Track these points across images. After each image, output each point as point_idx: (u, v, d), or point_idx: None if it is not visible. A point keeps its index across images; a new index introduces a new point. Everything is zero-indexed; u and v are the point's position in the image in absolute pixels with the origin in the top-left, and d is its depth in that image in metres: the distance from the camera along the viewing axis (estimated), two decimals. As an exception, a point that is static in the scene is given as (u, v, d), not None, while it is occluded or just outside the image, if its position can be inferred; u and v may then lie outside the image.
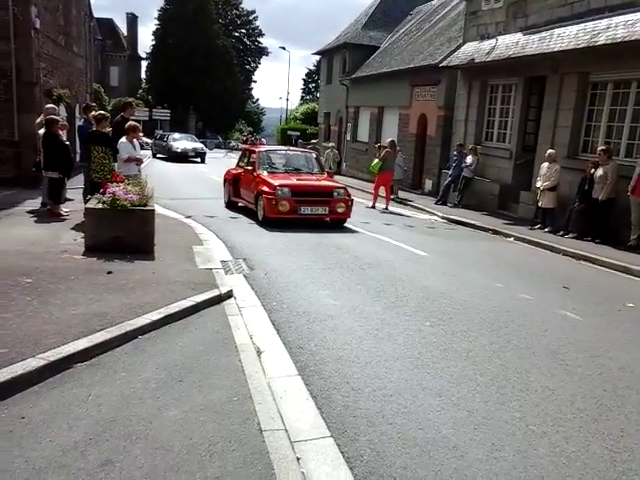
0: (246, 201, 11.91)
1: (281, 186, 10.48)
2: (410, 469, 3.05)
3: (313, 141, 27.58)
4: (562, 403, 3.93)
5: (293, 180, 10.99)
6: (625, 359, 4.86)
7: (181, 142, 32.21)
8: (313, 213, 10.69)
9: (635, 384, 4.33)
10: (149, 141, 38.53)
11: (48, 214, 9.56)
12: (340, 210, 10.87)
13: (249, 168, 11.80)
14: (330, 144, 22.70)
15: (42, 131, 9.82)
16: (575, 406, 3.90)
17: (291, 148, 14.11)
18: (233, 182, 12.67)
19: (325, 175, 12.24)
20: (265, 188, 10.61)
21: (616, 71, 10.95)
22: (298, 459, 3.07)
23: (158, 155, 32.41)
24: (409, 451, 3.22)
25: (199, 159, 31.60)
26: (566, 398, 4.01)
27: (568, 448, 3.34)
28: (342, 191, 11.01)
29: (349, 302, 6.06)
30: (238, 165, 13.22)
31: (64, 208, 9.76)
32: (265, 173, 11.22)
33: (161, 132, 38.82)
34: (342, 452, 3.18)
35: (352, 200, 11.17)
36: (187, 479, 2.81)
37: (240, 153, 14.78)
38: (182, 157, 30.06)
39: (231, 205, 12.87)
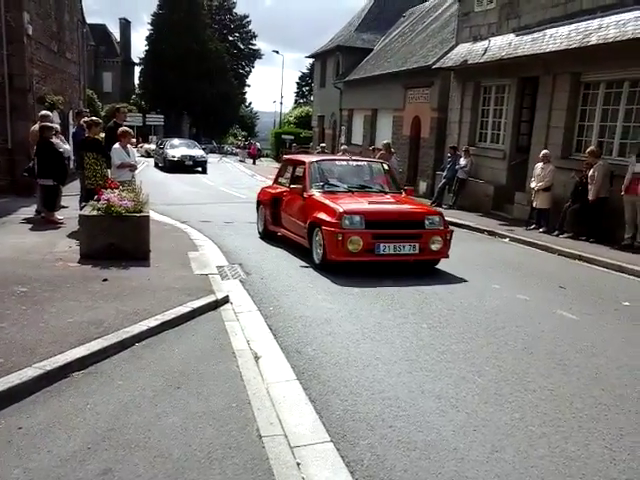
0: (291, 232, 8.75)
1: (350, 213, 7.24)
2: (411, 472, 3.04)
3: (322, 145, 23.72)
4: (561, 403, 3.94)
5: (364, 204, 7.72)
6: (623, 358, 4.87)
7: (178, 149, 27.78)
8: (397, 253, 7.35)
9: (633, 383, 4.34)
10: (152, 146, 38.22)
11: (43, 222, 9.52)
12: (435, 247, 7.54)
13: (296, 187, 8.56)
14: (322, 145, 22.71)
15: None
16: (574, 406, 3.90)
17: (353, 157, 10.22)
18: (271, 206, 9.43)
19: (403, 194, 8.80)
20: (324, 216, 7.43)
21: (608, 71, 11.00)
22: (298, 464, 3.06)
23: (160, 165, 28.24)
24: (409, 454, 3.21)
25: (199, 168, 27.14)
26: (565, 398, 4.02)
27: (568, 448, 3.34)
28: (437, 218, 7.75)
29: (345, 306, 6.06)
30: (276, 182, 10.19)
31: (59, 215, 9.73)
32: (319, 194, 8.10)
33: (162, 139, 34.78)
34: (342, 456, 3.17)
35: (451, 232, 7.85)
36: (187, 487, 2.79)
37: (282, 164, 10.87)
38: (179, 166, 26.08)
39: (268, 236, 9.73)
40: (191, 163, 26.95)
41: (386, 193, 8.58)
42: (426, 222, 7.64)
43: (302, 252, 8.32)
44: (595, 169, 10.41)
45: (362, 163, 9.55)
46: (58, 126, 11.38)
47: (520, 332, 5.42)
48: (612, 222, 10.32)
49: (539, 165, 11.81)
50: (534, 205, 12.06)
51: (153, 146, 37.34)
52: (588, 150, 10.72)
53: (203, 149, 33.22)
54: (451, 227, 7.99)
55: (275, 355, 4.65)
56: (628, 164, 10.07)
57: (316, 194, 8.10)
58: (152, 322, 4.89)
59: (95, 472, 2.87)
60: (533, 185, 11.92)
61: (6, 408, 3.41)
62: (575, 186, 11.08)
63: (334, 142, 28.90)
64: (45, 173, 9.33)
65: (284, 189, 9.25)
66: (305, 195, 8.22)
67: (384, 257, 7.32)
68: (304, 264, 7.87)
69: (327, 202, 7.69)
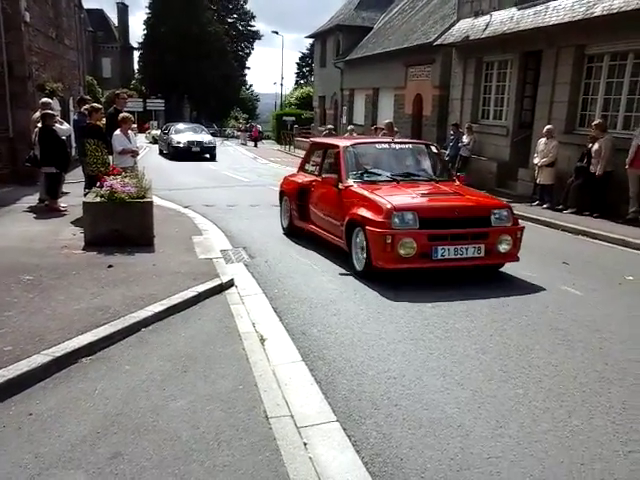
0: (323, 230, 7.53)
1: (401, 209, 5.99)
2: (416, 449, 3.09)
3: (329, 126, 21.92)
4: (565, 378, 3.96)
5: (416, 197, 6.44)
6: (626, 332, 4.88)
7: (184, 134, 25.22)
8: (458, 257, 6.07)
9: (636, 357, 4.36)
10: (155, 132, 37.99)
11: (47, 210, 9.55)
12: (503, 248, 6.28)
13: (328, 176, 7.33)
14: (329, 126, 22.39)
15: (40, 125, 9.77)
16: (577, 381, 3.93)
17: (395, 140, 8.28)
18: (298, 198, 8.18)
19: (457, 184, 7.38)
20: (367, 213, 6.20)
21: (612, 43, 10.86)
22: (305, 444, 3.10)
23: (164, 151, 26.12)
24: (415, 432, 3.25)
25: (207, 155, 24.67)
26: (568, 373, 4.04)
27: (571, 422, 3.38)
28: (505, 212, 6.40)
29: (351, 286, 6.08)
30: (302, 169, 8.93)
31: (62, 203, 9.75)
32: (358, 185, 6.85)
33: (167, 124, 31.26)
34: (348, 436, 3.21)
35: (522, 229, 6.54)
36: (196, 468, 2.84)
37: (308, 149, 9.41)
38: (184, 153, 23.65)
39: (294, 233, 8.48)
40: (198, 149, 24.41)
41: (436, 182, 7.20)
42: (493, 218, 6.26)
43: (335, 252, 7.21)
44: (601, 143, 10.32)
45: (406, 146, 7.99)
46: (58, 113, 11.34)
47: (524, 308, 5.44)
48: (616, 196, 10.26)
49: (542, 140, 11.73)
50: (537, 181, 11.99)
51: (156, 131, 36.99)
52: (594, 123, 10.61)
53: (212, 134, 30.72)
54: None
55: (280, 337, 4.69)
56: (632, 137, 9.99)
57: (354, 185, 6.84)
58: (158, 307, 4.93)
59: (105, 456, 2.92)
60: (536, 161, 11.85)
61: (16, 395, 3.46)
62: (578, 161, 11.00)
63: (336, 122, 28.72)
64: (47, 161, 9.33)
65: (312, 178, 8.05)
66: (341, 187, 6.93)
67: (442, 263, 6.05)
68: (342, 270, 6.67)
69: (370, 196, 6.39)
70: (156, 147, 29.80)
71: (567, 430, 3.29)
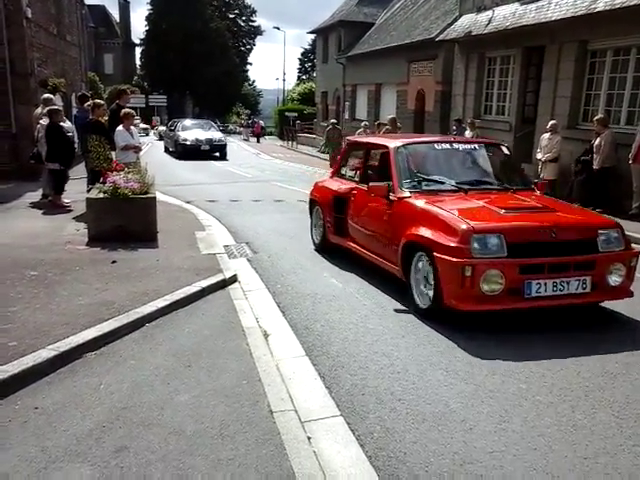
0: (368, 251, 6.21)
1: (482, 230, 4.67)
2: (420, 444, 3.10)
3: (332, 120, 21.75)
4: (568, 373, 3.97)
5: (498, 213, 5.00)
6: (629, 328, 4.88)
7: (192, 131, 23.48)
8: (558, 294, 4.73)
9: (638, 351, 4.36)
10: (145, 126, 38.14)
11: (50, 205, 9.57)
12: (614, 280, 4.93)
13: (376, 185, 5.83)
14: (332, 121, 22.22)
15: (43, 121, 9.79)
16: (581, 375, 3.93)
17: (456, 139, 7.23)
18: (333, 208, 6.93)
19: (537, 193, 6.02)
20: (433, 234, 4.88)
21: (615, 38, 10.81)
22: (309, 439, 3.12)
23: (170, 149, 24.57)
24: (418, 426, 3.26)
25: (217, 153, 23.08)
26: (572, 368, 4.05)
27: (575, 417, 3.38)
28: (615, 233, 5.03)
29: (354, 282, 6.09)
30: (338, 174, 7.56)
31: (65, 199, 9.77)
32: (416, 196, 5.49)
33: (174, 120, 29.06)
34: (352, 430, 3.22)
35: (638, 254, 5.14)
36: (201, 462, 2.86)
37: (342, 150, 8.22)
38: (193, 152, 21.98)
39: (329, 249, 7.21)
40: (208, 148, 22.63)
41: (513, 192, 5.77)
42: (600, 240, 4.87)
43: (383, 276, 5.90)
44: (602, 138, 10.30)
45: (471, 146, 6.55)
46: (61, 110, 11.34)
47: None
48: (619, 191, 10.24)
49: (546, 136, 11.70)
50: (541, 176, 11.97)
51: (161, 128, 36.89)
52: (596, 118, 10.59)
53: (221, 130, 29.13)
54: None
55: (284, 332, 4.70)
56: (636, 132, 9.96)
57: (411, 197, 5.48)
58: (162, 302, 4.95)
59: (111, 449, 2.93)
60: (540, 156, 11.82)
61: (22, 389, 3.48)
62: (579, 156, 10.98)
63: (338, 118, 28.68)
64: (53, 157, 9.35)
65: (351, 185, 6.79)
66: (392, 197, 5.63)
67: (537, 302, 4.67)
68: (396, 304, 5.36)
69: (436, 211, 5.05)
70: (159, 143, 29.38)
71: (570, 425, 3.30)
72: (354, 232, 6.59)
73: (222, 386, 3.66)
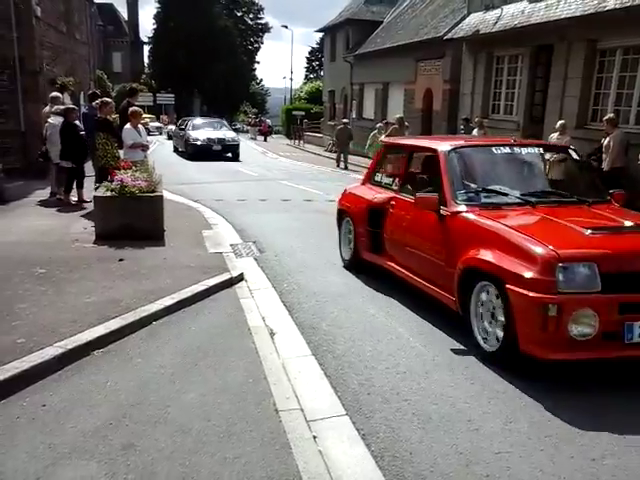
0: (413, 274, 5.29)
1: (570, 258, 3.76)
2: (426, 444, 3.09)
3: (344, 120, 21.38)
4: (575, 373, 3.95)
5: (583, 233, 4.11)
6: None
7: (203, 131, 22.30)
8: None
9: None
10: (159, 125, 38.25)
11: (59, 203, 9.63)
12: None
13: (424, 196, 4.95)
14: (344, 120, 21.85)
15: (52, 120, 9.85)
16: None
17: (517, 141, 5.79)
18: (368, 221, 6.02)
19: (616, 206, 5.19)
20: (501, 259, 4.04)
21: (625, 37, 10.73)
22: (315, 438, 3.12)
23: (180, 149, 23.43)
24: (424, 426, 3.26)
25: (230, 154, 21.90)
26: (577, 368, 4.02)
27: (583, 418, 3.36)
28: None
29: (359, 281, 6.08)
30: (371, 180, 6.61)
31: (72, 197, 9.82)
32: (471, 211, 4.63)
33: (184, 118, 28.16)
34: (358, 429, 3.22)
35: None
36: (207, 460, 2.87)
37: (379, 152, 6.99)
38: (204, 152, 20.87)
39: (361, 267, 6.35)
40: (219, 148, 21.54)
41: (589, 205, 4.88)
42: None
43: (429, 303, 5.05)
44: (611, 138, 10.23)
45: (534, 150, 5.65)
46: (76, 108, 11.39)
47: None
48: (630, 192, 10.15)
49: (554, 136, 11.62)
50: (549, 177, 11.89)
51: (170, 126, 36.83)
52: (605, 118, 10.51)
53: (235, 130, 28.12)
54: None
55: (290, 331, 4.70)
56: (645, 132, 9.90)
57: (469, 211, 4.60)
58: (168, 301, 4.96)
59: (118, 447, 2.95)
60: (548, 156, 11.75)
61: (30, 386, 3.50)
62: (588, 156, 10.92)
63: (345, 117, 28.66)
64: (67, 155, 9.41)
65: (389, 195, 5.84)
66: (445, 212, 4.73)
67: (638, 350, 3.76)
68: (451, 341, 4.49)
69: (505, 230, 4.17)
70: (168, 143, 29.06)
71: (577, 425, 3.28)
72: (393, 249, 5.68)
73: (228, 385, 3.67)
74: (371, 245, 6.02)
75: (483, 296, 4.22)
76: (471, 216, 4.57)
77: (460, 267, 4.36)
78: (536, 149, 5.70)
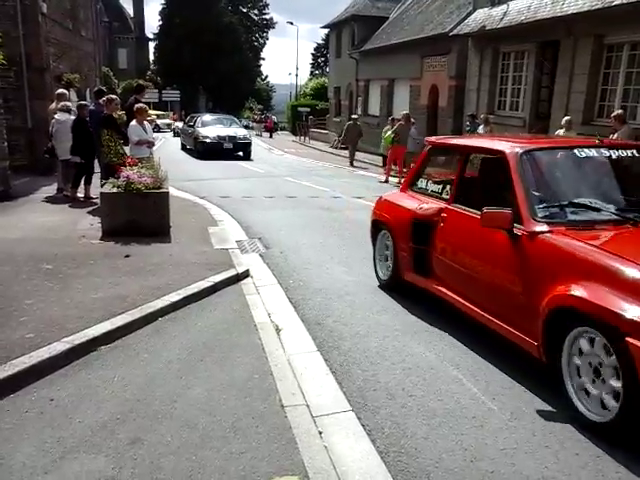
0: (475, 305, 4.34)
1: None
2: (431, 439, 3.10)
3: (354, 116, 20.93)
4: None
5: None
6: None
7: (212, 128, 21.26)
8: None
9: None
10: (169, 121, 38.37)
11: (66, 199, 9.68)
12: None
13: (496, 212, 3.89)
14: (353, 116, 21.08)
15: (58, 116, 9.89)
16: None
17: (605, 142, 4.65)
18: (411, 235, 5.11)
19: None
20: (612, 301, 3.02)
21: (632, 32, 10.67)
22: (320, 433, 3.14)
23: (188, 147, 22.61)
24: (429, 422, 3.27)
25: (241, 152, 20.95)
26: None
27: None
28: None
29: (366, 278, 6.09)
30: (412, 187, 5.67)
31: (78, 193, 9.86)
32: (556, 231, 3.65)
33: (192, 114, 27.16)
34: (363, 425, 3.24)
35: None
36: (213, 455, 2.89)
37: (424, 154, 5.71)
38: (215, 150, 20.01)
39: (402, 288, 5.50)
40: (230, 146, 20.54)
41: None
42: None
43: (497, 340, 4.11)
44: (619, 135, 10.18)
45: (627, 152, 4.42)
46: (70, 104, 11.43)
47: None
48: (635, 189, 10.12)
49: (560, 132, 11.57)
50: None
51: (176, 123, 36.86)
52: (613, 114, 10.46)
53: (246, 127, 27.09)
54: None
55: (296, 327, 4.72)
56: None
57: (553, 232, 3.68)
58: (175, 297, 4.98)
59: (125, 441, 2.97)
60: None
61: (38, 381, 3.54)
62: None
63: (350, 113, 28.61)
64: (77, 150, 9.47)
65: (438, 205, 4.92)
66: (520, 232, 3.84)
67: None
68: (535, 400, 3.56)
69: (612, 258, 3.23)
70: (175, 140, 28.66)
71: (582, 421, 3.28)
72: (444, 272, 4.78)
73: (234, 380, 3.69)
74: (415, 265, 5.10)
75: (583, 346, 3.27)
76: (558, 238, 3.59)
77: (548, 306, 3.40)
78: (629, 151, 4.42)
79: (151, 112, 42.33)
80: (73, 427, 3.09)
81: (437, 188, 5.22)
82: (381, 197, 6.23)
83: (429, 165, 5.72)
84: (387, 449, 3.02)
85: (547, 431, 3.19)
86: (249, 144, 21.16)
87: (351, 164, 19.66)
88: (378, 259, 5.97)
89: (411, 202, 5.35)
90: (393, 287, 5.62)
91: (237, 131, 21.75)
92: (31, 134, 13.21)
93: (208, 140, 20.36)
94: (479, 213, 4.01)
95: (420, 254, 5.03)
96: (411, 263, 5.16)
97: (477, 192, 4.68)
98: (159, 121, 37.96)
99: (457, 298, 4.57)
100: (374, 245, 6.05)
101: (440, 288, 4.81)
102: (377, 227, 5.97)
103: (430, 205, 5.04)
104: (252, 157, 21.38)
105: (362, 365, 4.00)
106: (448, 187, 5.01)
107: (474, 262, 4.36)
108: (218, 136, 20.55)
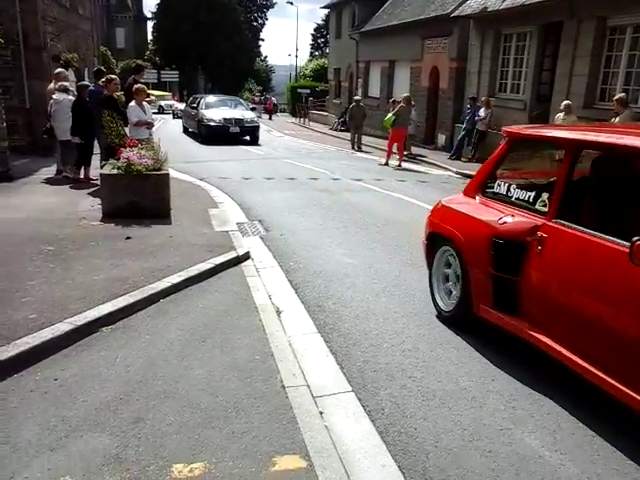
0: (600, 371, 3.06)
1: None
2: (430, 420, 3.15)
3: (356, 98, 19.93)
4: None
5: None
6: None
7: (217, 110, 19.89)
8: None
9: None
10: (172, 102, 37.94)
11: (67, 181, 9.66)
12: None
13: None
14: (356, 98, 19.93)
15: (56, 96, 9.83)
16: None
17: None
18: (494, 260, 3.78)
19: None
20: None
21: (636, 14, 10.58)
22: (321, 413, 3.18)
23: (190, 130, 21.39)
24: (429, 403, 3.32)
25: (248, 137, 19.72)
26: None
27: (583, 394, 3.41)
28: None
29: (365, 260, 6.12)
30: (484, 190, 4.41)
31: (80, 175, 9.85)
32: None
33: (195, 96, 25.31)
34: (363, 406, 3.29)
35: None
36: (215, 434, 2.93)
37: (501, 148, 4.32)
38: (220, 134, 18.77)
39: (469, 324, 4.30)
40: (237, 130, 19.28)
41: None
42: None
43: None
44: (621, 118, 10.15)
45: None
46: (73, 84, 11.36)
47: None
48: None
49: (560, 116, 11.53)
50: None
51: (176, 104, 36.45)
52: (615, 98, 10.41)
53: (252, 109, 25.02)
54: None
55: (296, 309, 4.76)
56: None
57: None
58: (176, 278, 5.01)
59: (128, 420, 3.02)
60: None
61: (42, 361, 3.57)
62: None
63: (350, 95, 28.43)
64: (78, 131, 9.42)
65: (532, 220, 3.71)
66: None
67: None
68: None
69: None
70: (175, 122, 28.39)
71: (578, 402, 3.33)
72: (545, 313, 3.57)
73: (236, 361, 3.72)
74: (496, 298, 3.88)
75: None
76: None
77: None
78: None
79: (153, 93, 41.74)
80: (77, 406, 3.13)
81: (526, 196, 3.92)
82: (440, 202, 5.00)
83: (508, 163, 4.45)
84: (387, 429, 3.07)
85: (545, 412, 3.24)
86: (257, 128, 19.98)
87: (356, 148, 18.87)
88: (436, 283, 4.74)
89: (486, 213, 4.14)
90: (460, 322, 4.38)
91: (244, 114, 20.30)
92: (29, 114, 13.11)
93: (213, 123, 19.05)
94: (615, 241, 3.03)
95: (504, 284, 3.78)
96: (490, 295, 3.91)
97: (596, 206, 3.56)
98: (162, 102, 37.29)
99: (571, 356, 3.30)
100: (430, 264, 4.82)
101: (537, 335, 3.56)
102: (435, 242, 4.71)
103: (518, 219, 3.80)
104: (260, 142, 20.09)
105: (362, 347, 4.04)
106: (545, 195, 3.74)
107: (608, 309, 3.08)
108: (224, 119, 19.16)
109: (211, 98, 21.83)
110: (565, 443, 2.97)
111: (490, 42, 15.28)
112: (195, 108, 20.65)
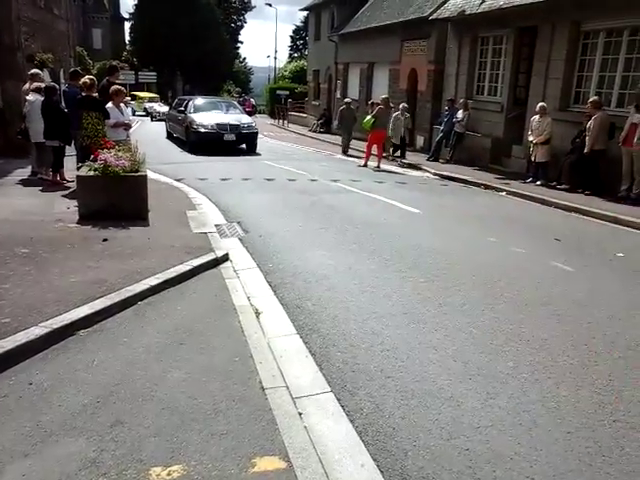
0: None
1: None
2: (408, 419, 3.17)
3: (347, 100, 18.61)
4: (553, 352, 4.05)
5: None
6: (614, 307, 4.98)
7: (208, 114, 17.29)
8: None
9: (623, 331, 4.46)
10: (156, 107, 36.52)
11: (48, 183, 9.51)
12: None
13: None
14: (346, 100, 18.63)
15: (30, 97, 9.67)
16: (566, 354, 4.02)
17: None
18: None
19: None
20: None
21: (608, 19, 10.79)
22: (300, 414, 3.18)
23: (175, 135, 19.26)
24: (407, 403, 3.34)
25: (244, 145, 17.29)
26: (557, 347, 4.13)
27: (559, 393, 3.47)
28: None
29: (344, 261, 6.13)
30: None
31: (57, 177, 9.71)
32: None
33: (181, 97, 23.61)
34: (342, 406, 3.29)
35: None
36: (195, 436, 2.92)
37: None
38: (211, 142, 16.31)
39: None
40: (233, 138, 16.67)
41: None
42: None
43: None
44: (593, 120, 10.35)
45: None
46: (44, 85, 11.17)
47: (515, 284, 5.52)
48: (612, 174, 10.31)
49: (536, 118, 11.72)
50: (533, 159, 12.01)
51: (158, 107, 35.23)
52: (590, 101, 10.63)
53: (248, 112, 22.78)
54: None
55: (275, 310, 4.75)
56: (627, 115, 10.01)
57: None
58: (153, 281, 4.96)
59: (106, 424, 2.98)
60: (531, 138, 11.85)
61: (16, 365, 3.51)
62: (574, 138, 11.05)
63: (329, 97, 28.49)
64: (51, 134, 9.24)
65: None
66: None
67: None
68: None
69: None
70: (155, 124, 28.12)
71: (554, 401, 3.39)
72: None
73: (214, 363, 3.70)
74: None
75: None
76: None
77: None
78: None
79: (143, 95, 40.57)
80: (53, 411, 3.08)
81: None
82: None
83: None
84: (366, 429, 3.08)
85: (521, 409, 3.29)
86: (255, 134, 17.48)
87: (344, 152, 18.09)
88: None
89: None
90: None
91: (240, 118, 17.66)
92: (3, 115, 12.91)
93: (203, 130, 16.40)
94: None
95: None
96: None
97: None
98: (158, 108, 34.87)
99: None
100: None
101: None
102: None
103: None
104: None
105: (341, 347, 4.06)
106: None
107: None
108: (217, 124, 16.55)
109: (200, 100, 19.14)
110: (541, 439, 3.02)
111: (467, 45, 15.45)
112: (182, 112, 18.14)
